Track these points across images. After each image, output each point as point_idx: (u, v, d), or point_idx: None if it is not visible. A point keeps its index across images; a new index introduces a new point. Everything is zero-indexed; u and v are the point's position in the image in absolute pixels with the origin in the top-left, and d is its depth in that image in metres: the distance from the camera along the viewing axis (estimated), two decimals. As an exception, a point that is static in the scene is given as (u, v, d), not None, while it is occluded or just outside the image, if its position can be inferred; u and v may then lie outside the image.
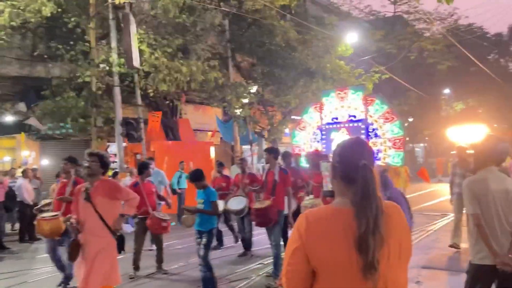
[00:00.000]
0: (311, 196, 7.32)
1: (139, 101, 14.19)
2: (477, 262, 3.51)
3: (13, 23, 12.76)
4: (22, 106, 15.32)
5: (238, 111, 17.61)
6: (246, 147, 20.69)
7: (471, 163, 7.71)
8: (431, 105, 34.86)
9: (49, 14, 12.84)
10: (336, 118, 12.22)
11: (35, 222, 6.46)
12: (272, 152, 6.99)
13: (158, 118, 14.76)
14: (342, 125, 12.07)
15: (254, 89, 18.42)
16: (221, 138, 20.30)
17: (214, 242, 9.18)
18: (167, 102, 17.00)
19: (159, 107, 16.25)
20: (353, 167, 1.71)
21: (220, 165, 9.97)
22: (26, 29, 14.66)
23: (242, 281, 6.63)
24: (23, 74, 15.86)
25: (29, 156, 16.23)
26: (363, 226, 1.59)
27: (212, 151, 17.44)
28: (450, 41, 26.16)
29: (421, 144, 44.10)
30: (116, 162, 14.04)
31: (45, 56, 15.34)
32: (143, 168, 7.65)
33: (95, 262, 4.32)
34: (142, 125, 14.09)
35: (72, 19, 13.49)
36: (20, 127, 15.18)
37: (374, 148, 11.47)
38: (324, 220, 1.69)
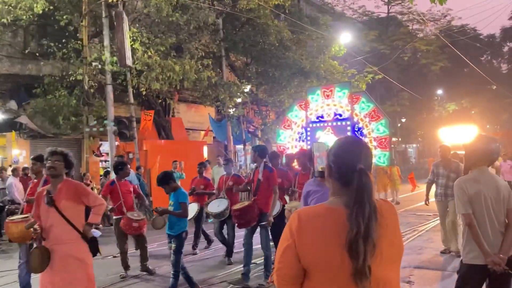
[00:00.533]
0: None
1: (132, 99, 14.11)
2: (468, 262, 3.50)
3: (4, 20, 12.65)
4: (13, 104, 15.17)
5: (231, 111, 17.57)
6: (239, 146, 20.65)
7: (454, 163, 7.61)
8: (424, 105, 35.05)
9: (40, 12, 12.74)
10: (322, 117, 12.09)
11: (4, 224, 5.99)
12: (257, 150, 6.66)
13: (151, 116, 14.69)
14: (327, 124, 11.97)
15: (247, 88, 18.39)
16: (214, 137, 20.25)
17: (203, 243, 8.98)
18: (160, 100, 16.92)
19: (152, 106, 16.17)
20: (349, 170, 1.68)
21: (202, 165, 9.43)
22: (17, 26, 14.52)
23: (221, 285, 6.45)
24: (14, 72, 15.72)
25: (20, 155, 16.09)
26: (354, 231, 1.57)
27: (205, 150, 17.37)
28: (443, 42, 26.29)
29: (414, 145, 44.31)
30: (108, 161, 13.94)
31: (37, 54, 15.22)
32: (119, 166, 7.32)
33: (66, 273, 3.88)
34: (134, 123, 14.01)
35: (64, 17, 13.40)
36: (10, 126, 15.03)
37: None
38: (317, 219, 1.67)
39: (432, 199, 8.00)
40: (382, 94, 32.69)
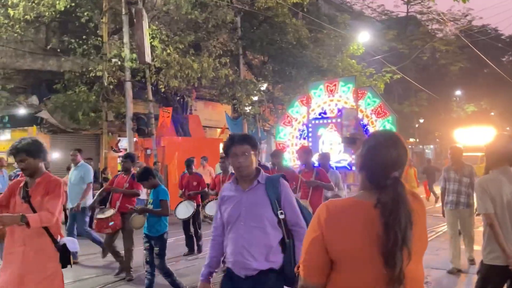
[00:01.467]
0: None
1: (150, 96, 14.25)
2: (489, 263, 3.47)
3: (27, 17, 12.87)
4: (34, 99, 15.45)
5: (247, 109, 17.61)
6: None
7: (466, 167, 6.64)
8: (442, 106, 34.62)
9: (62, 8, 12.94)
10: (325, 113, 11.44)
11: None
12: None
13: (169, 113, 14.81)
14: (330, 121, 11.35)
15: (264, 86, 18.42)
16: (230, 135, 20.30)
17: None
18: (178, 98, 17.06)
19: (170, 103, 16.31)
20: (382, 176, 1.65)
21: (189, 161, 8.63)
22: (40, 23, 14.77)
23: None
24: (35, 68, 15.99)
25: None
26: (391, 241, 1.55)
27: (221, 147, 17.44)
28: (463, 42, 25.94)
29: (431, 146, 43.82)
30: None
31: (58, 50, 15.45)
32: (145, 174, 7.21)
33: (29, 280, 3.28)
34: (153, 120, 14.15)
35: (85, 14, 13.58)
36: (32, 120, 15.30)
37: None
38: (345, 212, 1.67)
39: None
40: (400, 94, 32.40)
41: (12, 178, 9.09)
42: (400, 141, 1.72)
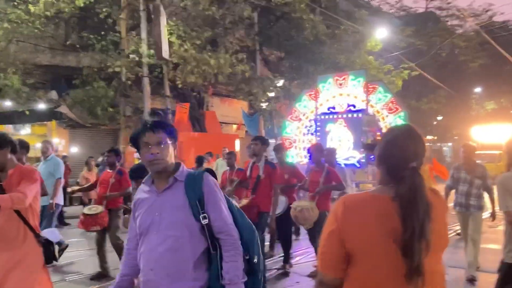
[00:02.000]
0: (304, 197, 6.69)
1: (167, 92, 14.33)
2: (509, 261, 3.42)
3: (47, 13, 13.04)
4: (53, 94, 15.68)
5: (264, 105, 17.61)
6: (271, 141, 20.67)
7: (479, 167, 6.15)
8: (461, 103, 34.09)
9: (82, 4, 13.10)
10: (333, 108, 11.05)
11: None
12: (260, 141, 5.97)
13: (186, 109, 14.89)
14: (339, 116, 11.00)
15: (280, 82, 18.38)
16: (246, 131, 20.33)
17: None
18: (195, 94, 17.13)
19: (187, 99, 16.39)
20: (400, 167, 1.65)
21: (200, 159, 8.43)
22: (60, 19, 14.97)
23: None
24: (55, 63, 16.23)
25: (59, 144, 16.62)
26: (408, 232, 1.55)
27: (237, 144, 17.48)
28: (484, 38, 25.49)
29: (449, 144, 43.24)
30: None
31: (77, 46, 15.64)
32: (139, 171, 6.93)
33: (8, 282, 3.04)
34: (170, 116, 14.24)
35: (104, 10, 13.72)
36: (51, 115, 15.54)
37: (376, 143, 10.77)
38: (363, 206, 1.68)
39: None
40: (418, 91, 31.99)
41: None
42: (416, 133, 1.74)
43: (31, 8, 12.75)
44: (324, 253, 1.74)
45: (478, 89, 36.99)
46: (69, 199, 14.80)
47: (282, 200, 6.44)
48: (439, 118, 34.30)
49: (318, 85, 11.50)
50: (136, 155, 17.71)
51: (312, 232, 6.18)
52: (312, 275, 6.19)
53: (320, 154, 6.36)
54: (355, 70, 17.81)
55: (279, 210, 6.33)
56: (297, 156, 12.13)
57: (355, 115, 10.96)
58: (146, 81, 13.63)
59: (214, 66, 13.77)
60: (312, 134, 11.65)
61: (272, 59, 20.66)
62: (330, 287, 1.71)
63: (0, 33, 13.23)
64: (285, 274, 6.61)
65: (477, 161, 6.39)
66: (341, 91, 11.04)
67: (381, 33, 19.83)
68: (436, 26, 32.75)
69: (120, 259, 5.93)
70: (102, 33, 13.86)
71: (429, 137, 34.41)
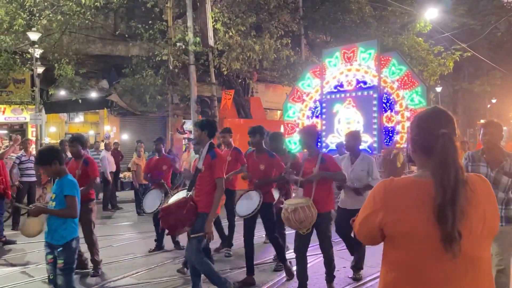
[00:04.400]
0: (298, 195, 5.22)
1: (213, 79, 14.49)
2: None
3: (97, 4, 13.44)
4: (104, 83, 16.24)
5: (309, 90, 17.45)
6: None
7: (508, 158, 4.01)
8: (517, 85, 32.41)
9: (130, -6, 13.40)
10: (341, 86, 9.69)
11: None
12: (202, 126, 4.77)
13: (231, 96, 15.01)
14: (348, 95, 9.63)
15: (326, 67, 18.12)
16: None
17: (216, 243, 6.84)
18: (240, 80, 17.21)
19: (232, 85, 16.51)
20: (432, 137, 1.66)
21: (159, 141, 7.71)
22: (109, 9, 15.39)
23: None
24: (105, 53, 16.78)
25: (111, 131, 17.23)
26: (440, 196, 1.56)
27: (282, 129, 17.46)
28: (544, 15, 24.01)
29: (505, 128, 41.30)
30: (190, 138, 14.51)
31: (126, 36, 16.06)
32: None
33: None
34: (215, 102, 14.41)
35: (151, -1, 13.98)
36: (103, 103, 16.10)
37: (390, 125, 9.24)
38: (403, 190, 1.67)
39: None
40: (471, 72, 30.71)
41: (17, 163, 9.18)
42: (443, 110, 1.76)
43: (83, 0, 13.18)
44: (360, 231, 1.81)
45: (536, 70, 35.03)
46: (121, 184, 15.37)
47: (253, 196, 5.42)
48: (493, 100, 32.83)
49: (324, 60, 9.98)
50: (184, 141, 18.10)
51: (305, 240, 4.90)
52: None
53: (311, 138, 4.97)
54: (403, 52, 17.26)
55: (248, 210, 5.30)
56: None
57: (365, 92, 9.34)
58: (192, 68, 13.82)
59: (258, 52, 13.78)
60: (317, 116, 10.14)
61: (317, 43, 20.35)
62: None
63: (54, 25, 13.78)
64: None
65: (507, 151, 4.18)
66: (349, 66, 9.55)
67: (431, 14, 19.07)
68: (491, 4, 31.08)
69: (92, 259, 5.85)
70: (150, 22, 14.15)
71: (482, 121, 32.99)
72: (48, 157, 3.87)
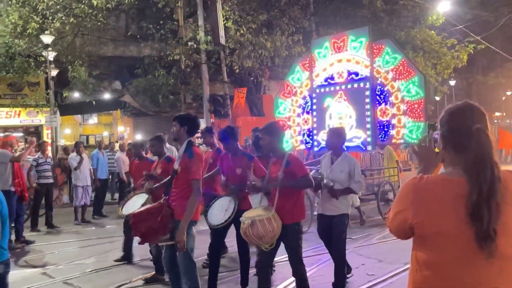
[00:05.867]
0: (260, 202, 4.31)
1: (225, 77, 14.49)
2: None
3: (108, 5, 13.51)
4: (117, 85, 16.35)
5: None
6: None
7: None
8: (533, 77, 31.93)
9: (141, -5, 13.46)
10: (332, 78, 9.10)
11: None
12: (180, 120, 4.16)
13: (243, 94, 15.00)
14: (339, 87, 8.98)
15: (338, 63, 18.02)
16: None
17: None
18: (252, 78, 17.19)
19: (244, 84, 16.50)
20: (465, 133, 1.61)
21: (137, 146, 6.69)
22: (120, 10, 15.47)
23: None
24: (117, 54, 16.87)
25: (124, 132, 17.34)
26: (475, 193, 1.51)
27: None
28: (559, 5, 23.60)
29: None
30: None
31: (137, 36, 16.13)
32: None
33: None
34: (228, 101, 14.41)
35: (161, -1, 14.02)
36: (116, 104, 16.20)
37: (384, 119, 8.61)
38: (433, 189, 1.62)
39: None
40: (485, 65, 30.33)
41: (34, 165, 9.16)
42: (474, 105, 1.71)
43: (94, 2, 13.25)
44: (392, 226, 1.75)
45: (552, 61, 34.47)
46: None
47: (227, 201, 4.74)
48: (508, 93, 32.37)
49: (313, 51, 9.31)
50: (198, 140, 18.12)
51: (268, 256, 4.13)
52: None
53: (274, 138, 4.15)
54: (416, 45, 17.10)
55: (220, 219, 4.57)
56: (291, 142, 10.00)
57: (357, 84, 8.71)
58: (204, 67, 13.83)
59: (270, 49, 13.74)
60: (308, 112, 9.60)
61: (328, 39, 20.28)
62: None
63: (67, 28, 13.88)
64: None
65: None
66: (339, 56, 8.83)
67: (443, 6, 18.84)
68: (504, -5, 30.61)
69: None
70: (161, 22, 14.18)
71: (497, 114, 32.57)
72: None
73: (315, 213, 6.64)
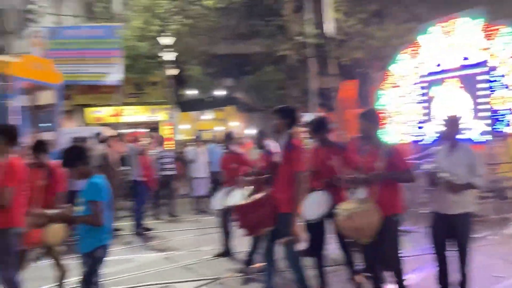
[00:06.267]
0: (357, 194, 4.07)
1: (333, 70, 14.30)
2: None
3: (220, 5, 14.05)
4: (229, 82, 17.03)
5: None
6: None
7: None
8: None
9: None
10: (438, 65, 8.36)
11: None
12: (282, 113, 4.06)
13: (351, 86, 14.70)
14: (449, 75, 8.14)
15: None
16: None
17: None
18: (360, 70, 16.77)
19: (352, 76, 16.15)
20: None
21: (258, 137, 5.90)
22: (230, 9, 16.04)
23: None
24: (228, 52, 17.52)
25: (238, 127, 18.04)
26: None
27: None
28: None
29: None
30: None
31: (246, 34, 16.59)
32: None
33: None
34: (335, 94, 14.24)
35: (270, -5, 14.26)
36: (228, 101, 16.90)
37: (502, 107, 7.57)
38: None
39: None
40: None
41: (158, 158, 9.57)
42: None
43: (207, 2, 13.81)
44: None
45: None
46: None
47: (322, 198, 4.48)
48: None
49: (418, 37, 8.77)
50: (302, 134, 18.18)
51: (372, 250, 3.86)
52: None
53: (372, 125, 3.88)
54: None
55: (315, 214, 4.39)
56: (396, 134, 9.44)
57: (470, 71, 7.89)
58: (312, 61, 13.79)
59: (380, 39, 13.26)
60: (417, 103, 9.02)
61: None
62: None
63: (186, 28, 14.64)
64: None
65: None
66: (449, 41, 8.11)
67: None
68: None
69: None
70: (268, 19, 14.40)
71: None
72: (72, 158, 3.45)
73: (422, 211, 6.21)
